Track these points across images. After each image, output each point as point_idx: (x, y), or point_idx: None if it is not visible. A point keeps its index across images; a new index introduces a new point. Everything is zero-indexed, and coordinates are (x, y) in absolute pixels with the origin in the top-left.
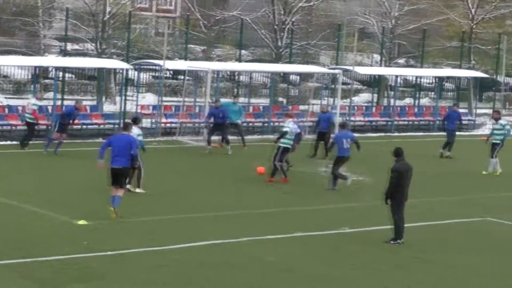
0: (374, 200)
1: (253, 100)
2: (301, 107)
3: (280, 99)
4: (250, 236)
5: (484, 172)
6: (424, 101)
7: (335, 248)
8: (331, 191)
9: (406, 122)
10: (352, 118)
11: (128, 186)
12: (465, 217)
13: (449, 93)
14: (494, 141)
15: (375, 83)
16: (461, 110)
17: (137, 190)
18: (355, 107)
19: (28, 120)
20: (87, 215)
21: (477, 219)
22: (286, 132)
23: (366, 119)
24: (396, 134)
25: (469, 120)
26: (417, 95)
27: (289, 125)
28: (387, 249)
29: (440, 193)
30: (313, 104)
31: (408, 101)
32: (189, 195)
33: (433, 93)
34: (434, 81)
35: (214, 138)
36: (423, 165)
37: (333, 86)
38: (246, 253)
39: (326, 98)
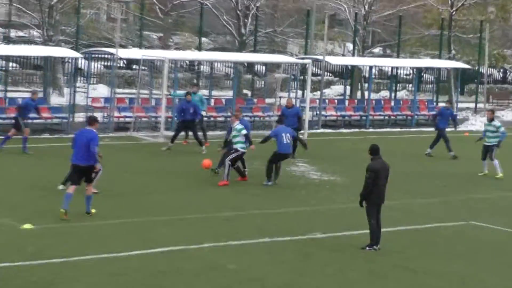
0: (348, 202)
1: (214, 93)
2: (268, 100)
3: (245, 91)
4: (212, 242)
5: (480, 174)
6: (401, 94)
7: (305, 255)
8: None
9: (382, 117)
10: (324, 113)
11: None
12: (448, 221)
13: (428, 85)
14: (487, 143)
15: (347, 74)
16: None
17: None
18: (327, 101)
19: None
20: (33, 218)
21: (461, 223)
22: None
23: (339, 113)
24: (371, 130)
25: None
26: (394, 88)
27: (238, 127)
28: (362, 256)
29: (420, 194)
30: (280, 97)
31: (384, 94)
32: (145, 197)
33: (411, 85)
34: (411, 72)
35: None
36: (401, 163)
37: (302, 77)
38: (207, 260)
39: (294, 91)
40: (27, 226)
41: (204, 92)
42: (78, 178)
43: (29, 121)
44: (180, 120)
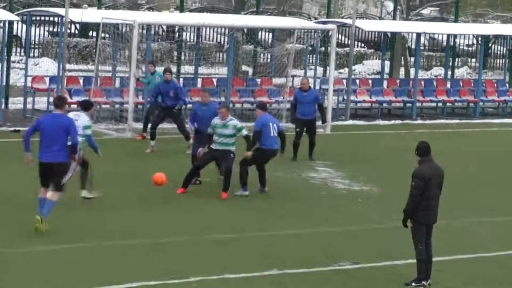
0: (387, 221)
1: (203, 70)
2: (276, 81)
3: (244, 68)
4: (201, 275)
5: None
6: (462, 72)
7: None
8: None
9: (434, 104)
10: (353, 98)
11: (83, 194)
12: None
13: (498, 61)
14: None
15: (387, 45)
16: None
17: (83, 194)
18: (357, 81)
19: None
20: None
21: None
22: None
23: (374, 99)
24: (419, 121)
25: None
26: (451, 64)
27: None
28: None
29: (488, 211)
30: (293, 76)
31: (437, 72)
32: (110, 213)
33: (474, 60)
34: (475, 42)
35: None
36: (459, 169)
37: (323, 49)
38: None
39: (313, 67)
40: None
41: (189, 69)
42: (49, 179)
43: None
44: (155, 106)
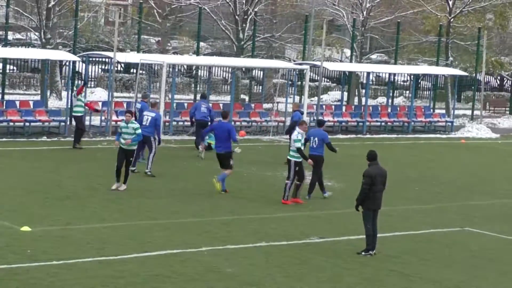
0: (345, 207)
1: (212, 97)
2: (265, 106)
3: (242, 96)
4: (209, 246)
5: None
6: (399, 100)
7: (302, 260)
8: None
9: (379, 123)
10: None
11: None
12: (444, 227)
13: (425, 92)
14: None
15: (345, 80)
16: (437, 111)
17: (123, 187)
18: (324, 106)
19: None
20: (31, 221)
21: (457, 229)
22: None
23: (336, 119)
24: (368, 136)
25: (446, 121)
26: (391, 94)
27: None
28: (358, 261)
29: (416, 201)
30: (278, 103)
31: (381, 100)
32: (143, 200)
33: (408, 91)
34: (409, 78)
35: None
36: (397, 170)
37: (299, 82)
38: (205, 264)
39: (292, 96)
40: (25, 228)
41: None
42: (221, 164)
43: (27, 124)
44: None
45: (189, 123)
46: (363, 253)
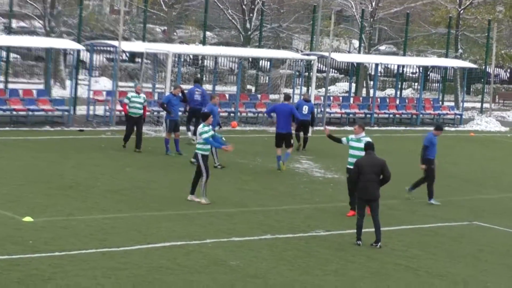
0: None
1: (218, 88)
2: (272, 96)
3: (249, 87)
4: (214, 238)
5: None
6: (407, 92)
7: (307, 253)
8: None
9: (387, 115)
10: (328, 110)
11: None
12: (452, 221)
13: (434, 84)
14: None
15: (353, 72)
16: (446, 104)
17: (201, 199)
18: (331, 98)
19: None
20: (33, 211)
21: (464, 223)
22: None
23: (343, 111)
24: (375, 128)
25: (455, 114)
26: (399, 86)
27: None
28: (364, 254)
29: (424, 194)
30: (284, 93)
31: (389, 92)
32: (148, 192)
33: (416, 84)
34: (418, 70)
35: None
36: (403, 162)
37: (307, 73)
38: (209, 256)
39: (299, 87)
40: (27, 219)
41: (208, 87)
42: (282, 142)
43: (30, 113)
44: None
45: None
46: (373, 244)
